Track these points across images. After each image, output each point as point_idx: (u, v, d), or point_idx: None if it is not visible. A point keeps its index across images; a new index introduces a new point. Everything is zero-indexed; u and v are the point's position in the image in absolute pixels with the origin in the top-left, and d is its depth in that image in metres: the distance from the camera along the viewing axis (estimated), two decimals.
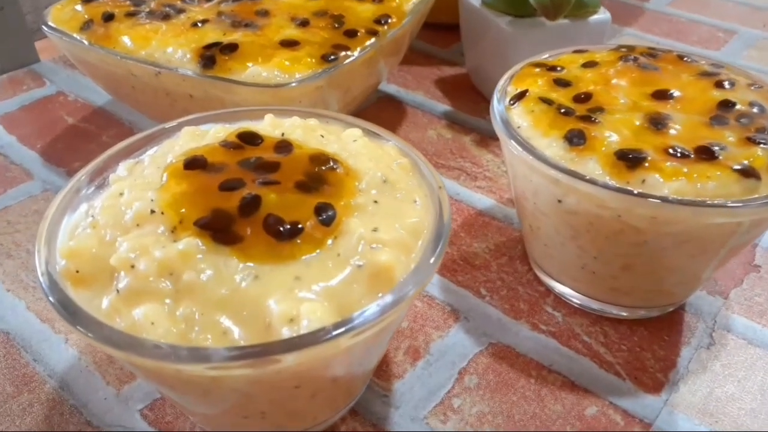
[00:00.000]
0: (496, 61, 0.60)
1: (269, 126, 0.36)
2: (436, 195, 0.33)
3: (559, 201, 0.36)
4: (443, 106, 0.65)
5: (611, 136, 0.35)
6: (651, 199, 0.32)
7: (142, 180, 0.32)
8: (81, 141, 0.59)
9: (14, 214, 0.51)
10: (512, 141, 0.37)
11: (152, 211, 0.29)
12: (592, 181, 0.33)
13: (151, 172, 0.33)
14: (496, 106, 0.40)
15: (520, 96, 0.40)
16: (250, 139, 0.34)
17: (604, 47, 0.46)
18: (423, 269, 0.29)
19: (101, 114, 0.62)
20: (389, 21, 0.49)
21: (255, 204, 0.29)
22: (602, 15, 0.58)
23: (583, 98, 0.39)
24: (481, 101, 0.65)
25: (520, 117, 0.38)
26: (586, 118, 0.37)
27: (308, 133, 0.36)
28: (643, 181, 0.33)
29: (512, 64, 0.54)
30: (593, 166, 0.34)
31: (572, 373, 0.39)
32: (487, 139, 0.60)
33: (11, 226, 0.50)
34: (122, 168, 0.35)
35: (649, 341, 0.41)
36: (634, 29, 0.79)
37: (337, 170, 0.32)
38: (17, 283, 0.45)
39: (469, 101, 0.65)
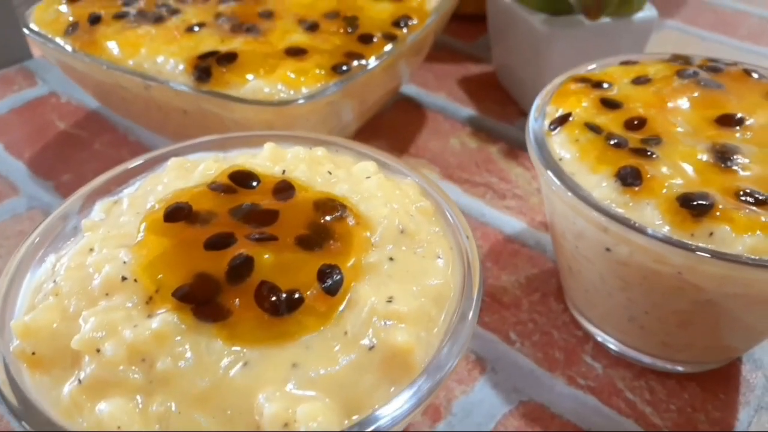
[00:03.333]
0: (527, 63, 0.54)
1: (269, 158, 0.31)
2: (464, 247, 0.28)
3: (608, 249, 0.31)
4: (467, 110, 0.59)
5: (672, 175, 0.30)
6: (721, 260, 0.27)
7: (117, 231, 0.27)
8: (72, 149, 0.54)
9: None
10: (553, 176, 0.31)
11: (124, 278, 0.24)
12: (650, 234, 0.28)
13: (128, 219, 0.28)
14: (533, 128, 0.35)
15: (563, 120, 0.34)
16: (244, 180, 0.29)
17: (656, 57, 0.40)
18: (449, 354, 0.24)
19: (94, 118, 0.57)
20: (409, 23, 0.44)
21: (246, 268, 0.24)
22: (648, 12, 0.51)
23: (637, 125, 0.33)
24: (509, 104, 0.59)
25: (563, 146, 0.33)
26: (641, 152, 0.31)
27: (314, 167, 0.30)
28: (711, 233, 0.28)
29: (546, 68, 0.49)
30: (651, 213, 0.29)
31: None
32: (515, 149, 0.54)
33: None
34: (98, 209, 0.30)
35: (702, 400, 0.36)
36: (677, 21, 0.72)
37: (347, 219, 0.27)
38: None
39: (495, 104, 0.60)
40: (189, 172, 0.30)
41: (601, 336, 0.38)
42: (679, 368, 0.36)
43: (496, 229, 0.47)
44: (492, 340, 0.39)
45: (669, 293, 0.30)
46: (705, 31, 0.71)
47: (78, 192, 0.31)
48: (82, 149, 0.54)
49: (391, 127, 0.56)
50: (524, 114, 0.58)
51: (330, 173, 0.30)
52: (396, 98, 0.60)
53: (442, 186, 0.50)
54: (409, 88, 0.61)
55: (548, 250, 0.45)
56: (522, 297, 0.42)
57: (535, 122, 0.35)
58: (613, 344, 0.37)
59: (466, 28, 0.71)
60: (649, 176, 0.30)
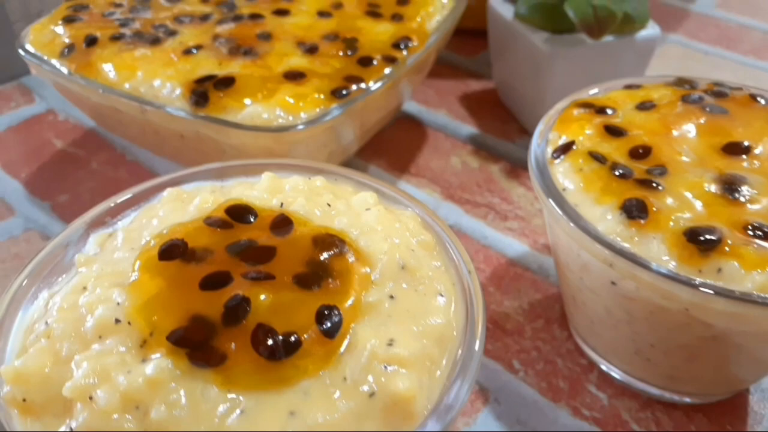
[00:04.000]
0: (528, 81, 0.53)
1: (266, 190, 0.30)
2: (466, 283, 0.27)
3: (614, 283, 0.30)
4: (468, 128, 0.58)
5: (679, 207, 0.29)
6: (730, 299, 0.26)
7: (111, 268, 0.27)
8: (69, 168, 0.54)
9: None
10: (556, 207, 0.31)
11: (117, 321, 0.24)
12: (656, 270, 0.27)
13: (123, 255, 0.27)
14: (535, 155, 0.34)
15: (566, 148, 0.33)
16: (241, 215, 0.28)
17: (660, 80, 0.39)
18: (451, 403, 0.23)
19: (92, 136, 0.57)
20: (410, 45, 0.43)
21: (242, 309, 0.24)
22: (651, 30, 0.51)
23: (642, 153, 0.32)
24: (510, 120, 0.59)
25: (566, 176, 0.32)
26: (647, 183, 0.30)
27: (312, 199, 0.30)
28: (719, 269, 0.27)
29: (548, 86, 0.48)
30: (657, 248, 0.28)
31: None
32: (517, 168, 0.53)
33: None
34: (92, 242, 0.30)
35: None
36: (680, 35, 0.72)
37: (346, 255, 0.27)
38: None
39: (496, 120, 0.59)
40: (185, 204, 0.30)
41: (606, 365, 0.37)
42: (687, 399, 0.35)
43: (498, 252, 0.46)
44: (495, 369, 0.38)
45: (676, 328, 0.30)
46: (708, 46, 0.70)
47: (73, 224, 0.30)
48: (79, 168, 0.54)
49: (391, 146, 0.56)
50: (525, 132, 0.57)
51: (329, 205, 0.30)
52: (397, 116, 0.59)
53: (443, 207, 0.50)
54: (410, 105, 0.61)
55: (551, 274, 0.44)
56: (525, 324, 0.41)
57: (538, 148, 0.34)
58: (618, 374, 0.37)
59: (466, 42, 0.70)
60: (655, 209, 0.29)
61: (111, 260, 0.27)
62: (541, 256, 0.46)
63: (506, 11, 0.54)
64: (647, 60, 0.52)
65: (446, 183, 0.52)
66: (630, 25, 0.50)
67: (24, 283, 0.27)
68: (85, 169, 0.54)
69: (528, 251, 0.46)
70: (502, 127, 0.58)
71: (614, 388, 0.37)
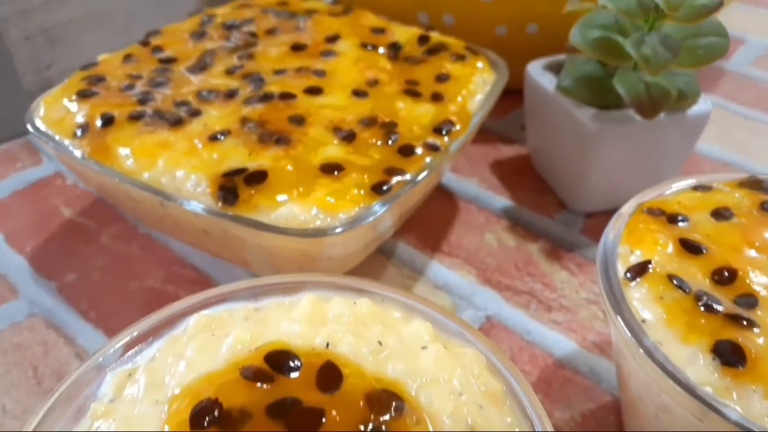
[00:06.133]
0: (570, 155, 0.50)
1: (308, 320, 0.27)
2: None
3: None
4: (502, 200, 0.55)
5: None
6: None
7: (134, 425, 0.23)
8: (77, 242, 0.50)
9: None
10: (638, 346, 0.27)
11: None
12: None
13: (146, 411, 0.24)
14: (606, 272, 0.30)
15: (642, 269, 0.30)
16: (282, 364, 0.24)
17: (729, 178, 0.36)
18: None
19: (102, 205, 0.53)
20: (452, 129, 0.40)
21: None
22: (703, 105, 0.48)
23: (727, 278, 0.29)
24: (546, 192, 0.55)
25: (645, 304, 0.28)
26: (737, 319, 0.27)
27: (361, 334, 0.26)
28: None
29: (592, 163, 0.46)
30: (759, 404, 0.25)
31: None
32: (558, 248, 0.50)
33: None
34: (109, 383, 0.26)
35: None
36: (718, 97, 0.69)
37: (405, 416, 0.23)
38: None
39: (532, 192, 0.56)
40: (216, 340, 0.26)
41: None
42: None
43: (544, 351, 0.42)
44: None
45: None
46: (747, 109, 0.67)
47: (89, 361, 0.27)
48: (88, 242, 0.50)
49: (421, 220, 0.52)
50: (564, 206, 0.54)
51: (380, 343, 0.26)
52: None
53: (480, 293, 0.46)
54: None
55: (603, 379, 0.40)
56: None
57: (606, 258, 0.31)
58: None
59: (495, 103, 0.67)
60: (754, 353, 0.26)
61: (132, 416, 0.24)
62: (592, 357, 0.42)
63: (547, 81, 0.50)
64: (698, 136, 0.49)
65: (482, 264, 0.49)
66: (682, 101, 0.46)
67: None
68: (95, 244, 0.50)
69: (577, 350, 0.42)
70: (539, 200, 0.55)
71: None
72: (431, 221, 0.53)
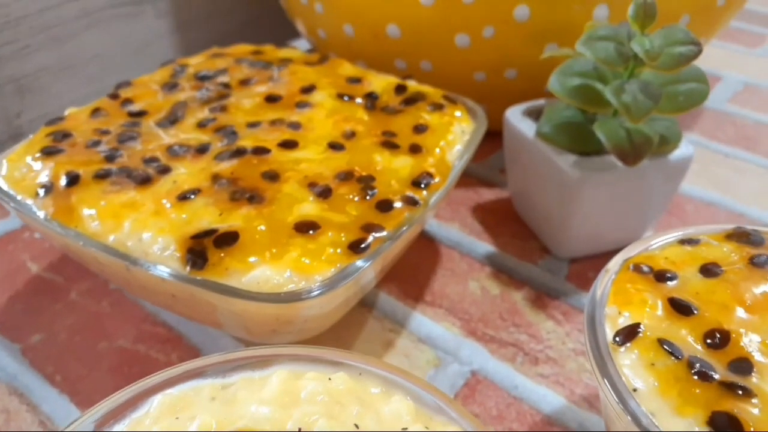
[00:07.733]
0: (552, 202, 0.49)
1: (279, 401, 0.25)
2: None
3: None
4: (485, 246, 0.54)
5: None
6: None
7: None
8: (44, 299, 0.48)
9: None
10: (630, 419, 0.26)
11: None
12: None
13: None
14: (594, 334, 0.29)
15: (631, 333, 0.28)
16: None
17: (716, 230, 0.35)
18: None
19: (70, 260, 0.51)
20: (431, 182, 0.39)
21: None
22: (684, 149, 0.47)
23: (719, 342, 0.28)
24: (529, 237, 0.54)
25: (635, 371, 0.27)
26: (732, 388, 0.26)
27: (336, 416, 0.24)
28: None
29: (575, 211, 0.45)
30: None
31: None
32: (543, 296, 0.49)
33: None
34: None
35: None
36: (697, 135, 0.69)
37: None
38: None
39: (514, 237, 0.55)
40: (180, 424, 0.24)
41: None
42: None
43: (532, 407, 0.41)
44: None
45: None
46: (727, 146, 0.67)
47: None
48: (56, 299, 0.48)
49: (403, 269, 0.51)
50: (547, 251, 0.53)
51: (357, 427, 0.24)
52: None
53: (465, 346, 0.45)
54: None
55: None
56: None
57: (594, 318, 0.30)
58: None
59: None
60: (751, 426, 0.24)
61: None
62: (580, 412, 0.40)
63: (526, 127, 0.50)
64: (680, 179, 0.49)
65: (466, 314, 0.47)
66: (664, 146, 0.46)
67: None
68: (63, 301, 0.48)
69: (565, 405, 0.41)
70: (522, 245, 0.54)
71: None
72: (413, 269, 0.51)
